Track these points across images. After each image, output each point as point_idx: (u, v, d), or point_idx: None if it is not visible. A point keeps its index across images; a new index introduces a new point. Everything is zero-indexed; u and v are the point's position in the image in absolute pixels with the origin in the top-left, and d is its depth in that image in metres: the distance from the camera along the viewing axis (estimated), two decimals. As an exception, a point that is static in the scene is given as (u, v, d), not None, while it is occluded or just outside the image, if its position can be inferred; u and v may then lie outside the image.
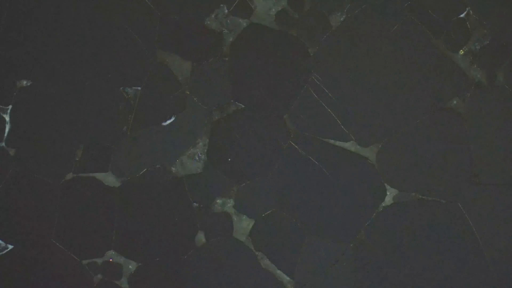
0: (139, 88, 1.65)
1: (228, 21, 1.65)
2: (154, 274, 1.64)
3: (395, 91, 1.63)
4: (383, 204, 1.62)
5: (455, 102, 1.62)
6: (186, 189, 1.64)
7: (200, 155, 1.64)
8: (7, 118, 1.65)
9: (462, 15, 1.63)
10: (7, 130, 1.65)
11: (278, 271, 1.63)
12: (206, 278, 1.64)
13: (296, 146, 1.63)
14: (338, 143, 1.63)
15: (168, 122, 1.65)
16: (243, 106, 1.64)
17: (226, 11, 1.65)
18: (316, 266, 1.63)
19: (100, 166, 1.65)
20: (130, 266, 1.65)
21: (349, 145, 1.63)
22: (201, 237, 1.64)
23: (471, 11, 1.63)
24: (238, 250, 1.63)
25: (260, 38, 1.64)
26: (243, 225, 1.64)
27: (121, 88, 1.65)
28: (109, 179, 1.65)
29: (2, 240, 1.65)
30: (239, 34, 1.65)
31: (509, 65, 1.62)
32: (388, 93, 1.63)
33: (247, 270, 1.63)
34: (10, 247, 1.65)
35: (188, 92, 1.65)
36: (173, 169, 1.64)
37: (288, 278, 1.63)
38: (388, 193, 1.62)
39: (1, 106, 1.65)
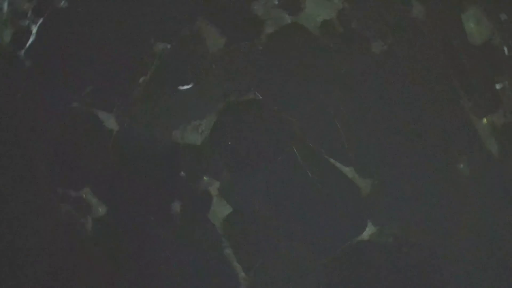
0: (169, 46, 1.66)
1: (274, 12, 1.65)
2: (119, 224, 1.64)
3: (408, 134, 1.62)
4: (359, 238, 1.62)
5: (462, 165, 1.62)
6: (180, 156, 1.64)
7: (203, 129, 1.64)
8: (34, 30, 1.66)
9: (498, 87, 1.63)
10: (30, 41, 1.66)
11: (236, 264, 1.63)
12: (166, 245, 1.63)
13: (296, 153, 1.63)
14: (338, 164, 1.63)
15: (185, 87, 1.65)
16: (260, 97, 1.64)
17: (276, 2, 1.65)
18: (276, 272, 1.62)
19: (106, 106, 1.66)
20: (100, 209, 1.65)
21: (348, 170, 1.62)
22: (176, 206, 1.64)
23: (507, 84, 1.63)
24: (206, 230, 1.63)
25: (298, 38, 1.65)
26: (221, 209, 1.63)
27: (152, 39, 1.66)
28: (110, 121, 1.65)
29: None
30: (280, 28, 1.65)
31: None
32: (400, 133, 1.63)
33: (207, 251, 1.63)
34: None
35: (214, 66, 1.65)
36: (174, 133, 1.64)
37: (243, 274, 1.62)
38: (367, 229, 1.62)
39: (32, 17, 1.66)
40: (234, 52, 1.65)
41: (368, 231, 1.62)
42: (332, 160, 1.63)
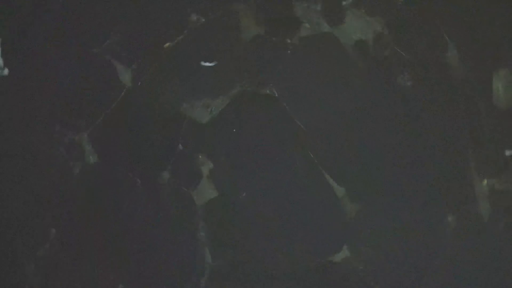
0: (203, 20, 1.66)
1: (314, 18, 1.65)
2: (105, 177, 1.65)
3: (408, 171, 1.62)
4: (331, 259, 1.62)
5: (450, 218, 1.61)
6: (182, 129, 1.64)
7: (213, 110, 1.64)
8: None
9: (508, 153, 1.62)
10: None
11: (206, 249, 1.63)
12: (143, 211, 1.64)
13: (295, 159, 1.63)
14: (331, 181, 1.63)
15: (207, 64, 1.65)
16: (276, 95, 1.64)
17: (319, 8, 1.65)
18: (242, 268, 1.62)
19: (126, 60, 1.66)
20: (91, 157, 1.65)
21: (339, 190, 1.62)
22: (165, 176, 1.64)
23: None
24: (187, 208, 1.63)
25: (330, 49, 1.64)
26: (207, 191, 1.63)
27: (189, 9, 1.66)
28: (126, 75, 1.66)
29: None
30: (315, 35, 1.65)
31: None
32: (400, 169, 1.62)
33: (182, 229, 1.63)
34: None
35: (240, 52, 1.65)
36: (183, 105, 1.64)
37: (210, 261, 1.63)
38: (341, 252, 1.62)
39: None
40: (264, 45, 1.65)
41: (342, 254, 1.62)
42: (327, 176, 1.63)
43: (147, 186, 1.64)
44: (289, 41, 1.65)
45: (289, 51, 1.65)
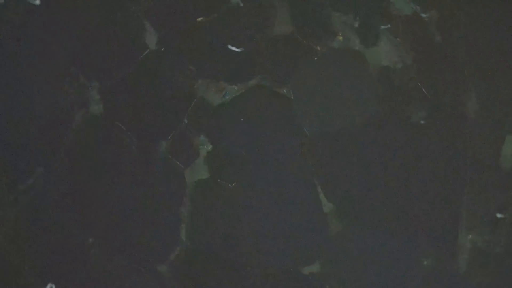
0: (242, 4, 1.65)
1: (349, 33, 1.65)
2: (104, 132, 1.65)
3: (396, 206, 1.62)
4: (300, 270, 1.62)
5: (425, 262, 1.61)
6: (191, 106, 1.64)
7: (226, 95, 1.64)
8: None
9: (499, 215, 1.62)
10: None
11: (183, 226, 1.63)
12: (134, 177, 1.64)
13: (293, 162, 1.63)
14: (322, 195, 1.62)
15: (234, 48, 1.65)
16: (292, 97, 1.64)
17: (356, 25, 1.65)
18: (211, 254, 1.62)
19: (155, 22, 1.66)
20: (96, 108, 1.65)
21: (327, 205, 1.62)
22: (162, 147, 1.64)
23: (508, 217, 1.62)
24: (176, 184, 1.63)
25: (355, 67, 1.64)
26: (199, 172, 1.63)
27: (230, -9, 1.67)
28: (152, 37, 1.66)
29: None
30: (345, 50, 1.65)
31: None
32: (389, 202, 1.62)
33: (166, 205, 1.63)
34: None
35: (268, 46, 1.65)
36: (200, 82, 1.64)
37: (184, 238, 1.62)
38: (312, 266, 1.61)
39: None
40: (293, 45, 1.65)
41: (312, 268, 1.61)
42: (319, 189, 1.63)
43: (142, 150, 1.64)
44: (318, 48, 1.65)
45: (316, 58, 1.65)
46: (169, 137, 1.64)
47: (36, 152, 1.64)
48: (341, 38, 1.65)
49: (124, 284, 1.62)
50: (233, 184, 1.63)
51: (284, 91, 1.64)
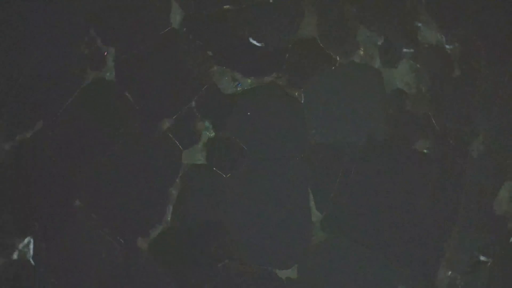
0: (271, 0, 1.66)
1: (371, 50, 1.65)
2: (111, 97, 1.65)
3: (380, 232, 1.62)
4: (276, 271, 1.61)
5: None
6: (202, 88, 1.64)
7: (239, 86, 1.64)
8: None
9: (482, 258, 1.62)
10: None
11: (170, 207, 1.63)
12: (134, 150, 1.64)
13: (291, 166, 1.63)
14: (312, 203, 1.62)
15: (255, 42, 1.65)
16: (302, 101, 1.64)
17: (379, 43, 1.65)
18: (196, 237, 1.63)
19: (182, 1, 1.66)
20: (107, 74, 1.65)
21: (316, 214, 1.62)
22: (165, 125, 1.64)
23: (492, 263, 1.63)
24: (172, 161, 1.63)
25: (370, 84, 1.64)
26: (196, 156, 1.63)
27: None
28: (177, 18, 1.66)
29: None
30: (364, 65, 1.65)
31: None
32: (374, 224, 1.63)
33: (159, 177, 1.63)
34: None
35: (290, 46, 1.65)
36: (215, 69, 1.64)
37: (169, 218, 1.62)
38: (289, 270, 1.61)
39: None
40: (313, 49, 1.65)
41: (289, 272, 1.61)
42: (311, 196, 1.63)
43: (145, 124, 1.64)
44: (338, 58, 1.65)
45: (333, 68, 1.65)
46: (174, 117, 1.64)
47: (39, 106, 1.64)
48: (362, 52, 1.65)
49: (100, 251, 1.62)
50: (228, 175, 1.63)
51: (296, 94, 1.64)
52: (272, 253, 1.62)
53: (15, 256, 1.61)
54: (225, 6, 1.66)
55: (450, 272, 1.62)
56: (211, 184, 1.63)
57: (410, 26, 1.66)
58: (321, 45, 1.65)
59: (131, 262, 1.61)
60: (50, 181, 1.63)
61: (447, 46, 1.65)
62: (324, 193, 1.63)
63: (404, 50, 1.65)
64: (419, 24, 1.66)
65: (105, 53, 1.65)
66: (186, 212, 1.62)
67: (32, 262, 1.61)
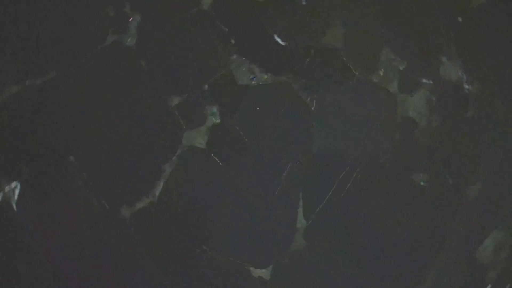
0: (304, 3, 1.66)
1: (392, 73, 1.65)
2: (126, 64, 1.65)
3: (365, 257, 1.62)
4: (250, 269, 1.61)
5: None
6: (216, 74, 1.64)
7: (254, 79, 1.64)
8: None
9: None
10: None
11: (161, 183, 1.63)
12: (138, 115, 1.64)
13: (289, 168, 1.63)
14: (301, 209, 1.62)
15: (279, 40, 1.65)
16: (312, 108, 1.64)
17: (401, 68, 1.65)
18: (178, 219, 1.63)
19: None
20: (128, 41, 1.66)
21: (301, 221, 1.62)
22: (175, 100, 1.64)
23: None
24: (173, 139, 1.63)
25: (383, 107, 1.64)
26: (199, 139, 1.63)
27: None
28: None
29: None
30: (381, 87, 1.65)
31: None
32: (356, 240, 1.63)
33: (156, 150, 1.63)
34: None
35: (312, 52, 1.65)
36: (233, 59, 1.64)
37: (157, 194, 1.62)
38: (263, 270, 1.61)
39: None
40: (335, 59, 1.65)
41: (262, 272, 1.61)
42: (301, 203, 1.63)
43: (154, 96, 1.64)
44: (357, 74, 1.65)
45: (350, 82, 1.65)
46: (184, 95, 1.64)
47: (56, 57, 1.64)
48: (382, 73, 1.65)
49: (83, 212, 1.62)
50: (224, 164, 1.63)
51: (308, 99, 1.64)
52: (250, 249, 1.62)
53: (-1, 197, 1.62)
54: (256, -1, 1.67)
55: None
56: (206, 169, 1.63)
57: (435, 58, 1.66)
58: (343, 57, 1.65)
59: (110, 228, 1.61)
60: (49, 132, 1.63)
61: (466, 86, 1.65)
62: (314, 202, 1.63)
63: (424, 80, 1.65)
64: (444, 58, 1.65)
65: (130, 19, 1.65)
66: (175, 192, 1.62)
67: (14, 207, 1.61)
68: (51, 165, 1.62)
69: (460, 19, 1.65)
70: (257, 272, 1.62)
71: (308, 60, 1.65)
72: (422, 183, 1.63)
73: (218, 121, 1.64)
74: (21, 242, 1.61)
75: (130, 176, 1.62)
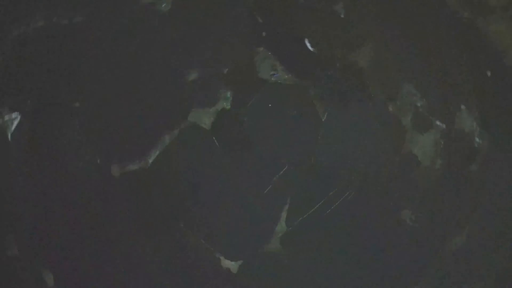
0: (342, 15, 1.65)
1: (408, 108, 1.64)
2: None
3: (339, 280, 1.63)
4: (224, 265, 1.62)
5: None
6: (239, 62, 1.64)
7: (274, 76, 1.64)
8: None
9: None
10: None
11: (157, 151, 1.63)
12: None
13: (282, 172, 1.63)
14: (284, 214, 1.62)
15: (308, 44, 1.65)
16: (323, 120, 1.63)
17: (418, 104, 1.64)
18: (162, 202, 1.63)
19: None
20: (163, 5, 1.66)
21: (282, 226, 1.62)
22: (192, 75, 1.64)
23: None
24: (178, 113, 1.63)
25: (391, 137, 1.64)
26: (205, 119, 1.63)
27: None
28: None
29: None
30: (393, 117, 1.64)
31: None
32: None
33: (159, 125, 1.63)
34: None
35: (338, 65, 1.64)
36: (258, 49, 1.64)
37: (150, 161, 1.63)
38: (233, 263, 1.62)
39: None
40: (355, 81, 1.65)
41: (230, 264, 1.62)
42: (286, 207, 1.63)
43: (173, 66, 1.63)
44: (374, 98, 1.64)
45: (366, 104, 1.64)
46: (202, 72, 1.63)
47: (88, 3, 1.64)
48: (399, 104, 1.64)
49: (74, 161, 1.62)
50: (222, 150, 1.63)
51: (321, 110, 1.64)
52: (225, 239, 1.62)
53: (-4, 124, 1.62)
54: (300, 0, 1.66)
55: None
56: (203, 150, 1.63)
57: (454, 104, 1.65)
58: (366, 78, 1.65)
59: (97, 182, 1.62)
60: (63, 72, 1.63)
61: (477, 139, 1.64)
62: (299, 211, 1.63)
63: (437, 122, 1.64)
64: (463, 106, 1.65)
65: None
66: (168, 164, 1.62)
67: (9, 137, 1.61)
68: (56, 106, 1.62)
69: (489, 73, 1.64)
70: (226, 263, 1.62)
71: (331, 71, 1.65)
72: (408, 221, 1.63)
73: (228, 107, 1.64)
74: (7, 171, 1.61)
75: (129, 136, 1.62)
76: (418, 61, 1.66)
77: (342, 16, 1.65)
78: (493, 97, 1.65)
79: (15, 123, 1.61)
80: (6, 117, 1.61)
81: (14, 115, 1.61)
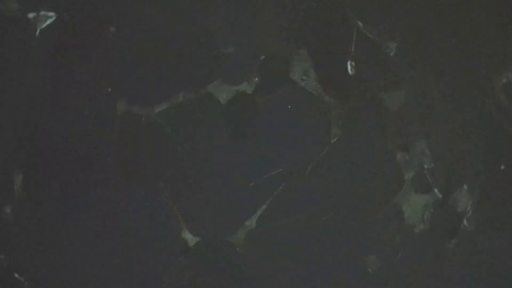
0: (392, 54, 1.64)
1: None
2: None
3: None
4: (189, 241, 1.63)
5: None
6: (270, 62, 1.64)
7: (303, 81, 1.64)
8: None
9: None
10: None
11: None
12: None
13: (281, 173, 1.63)
14: (259, 213, 1.63)
15: (349, 66, 1.64)
16: (333, 140, 1.63)
17: (430, 166, 1.64)
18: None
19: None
20: None
21: (250, 223, 1.63)
22: (229, 47, 1.64)
23: None
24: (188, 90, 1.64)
25: (392, 186, 1.64)
26: (212, 102, 1.63)
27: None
28: None
29: None
30: (400, 174, 1.64)
31: None
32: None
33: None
34: None
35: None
36: (301, 51, 1.64)
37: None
38: (194, 241, 1.63)
39: None
40: (375, 115, 1.64)
41: (194, 240, 1.62)
42: (264, 207, 1.63)
43: (202, 31, 1.64)
44: (388, 142, 1.63)
45: (376, 143, 1.63)
46: (238, 50, 1.63)
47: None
48: (407, 158, 1.63)
49: (82, 89, 1.63)
50: (223, 136, 1.63)
51: (336, 131, 1.63)
52: (193, 213, 1.63)
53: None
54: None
55: None
56: (210, 122, 1.63)
57: (457, 179, 1.63)
58: (385, 120, 1.63)
59: (99, 114, 1.63)
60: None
61: (465, 222, 1.63)
62: (274, 217, 1.63)
63: (435, 190, 1.63)
64: (465, 186, 1.63)
65: None
66: (170, 122, 1.63)
67: (37, 33, 1.62)
68: (93, 24, 1.63)
69: (502, 167, 1.62)
70: (186, 235, 1.63)
71: (359, 98, 1.64)
72: (369, 270, 1.63)
73: (250, 91, 1.63)
74: (25, 64, 1.63)
75: (147, 80, 1.63)
76: (439, 124, 1.64)
77: (392, 54, 1.64)
78: (498, 190, 1.63)
79: (49, 21, 1.62)
80: (42, 13, 1.62)
81: (50, 13, 1.62)
